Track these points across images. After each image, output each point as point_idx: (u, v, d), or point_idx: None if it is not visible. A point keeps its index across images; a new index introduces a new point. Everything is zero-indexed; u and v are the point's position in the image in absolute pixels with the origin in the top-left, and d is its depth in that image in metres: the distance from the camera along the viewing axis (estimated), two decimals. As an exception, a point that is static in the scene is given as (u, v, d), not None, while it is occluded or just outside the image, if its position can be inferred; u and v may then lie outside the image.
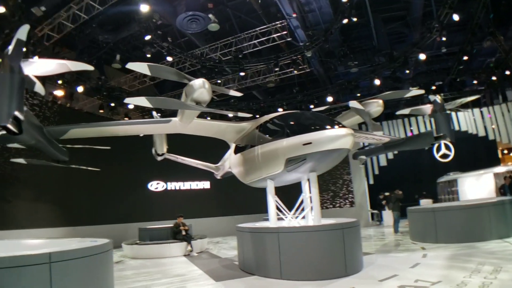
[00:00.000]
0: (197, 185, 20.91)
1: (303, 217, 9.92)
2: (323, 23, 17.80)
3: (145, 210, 18.65)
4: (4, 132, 6.17)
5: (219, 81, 19.56)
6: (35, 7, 12.59)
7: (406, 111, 13.66)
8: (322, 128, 8.08)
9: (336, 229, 8.45)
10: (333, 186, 21.79)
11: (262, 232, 9.10)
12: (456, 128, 22.36)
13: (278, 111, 14.52)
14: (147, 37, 15.47)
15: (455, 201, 18.57)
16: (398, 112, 14.25)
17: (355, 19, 16.31)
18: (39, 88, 6.09)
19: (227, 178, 14.67)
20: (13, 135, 6.21)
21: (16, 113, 5.75)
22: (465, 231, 11.36)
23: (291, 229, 8.71)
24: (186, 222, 14.61)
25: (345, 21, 16.01)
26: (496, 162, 23.53)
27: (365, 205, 21.29)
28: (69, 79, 16.59)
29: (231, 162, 12.10)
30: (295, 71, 18.93)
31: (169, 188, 20.09)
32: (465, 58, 19.01)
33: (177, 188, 20.38)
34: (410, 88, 18.62)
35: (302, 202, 10.02)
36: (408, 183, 23.64)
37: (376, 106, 10.38)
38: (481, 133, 22.50)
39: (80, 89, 16.98)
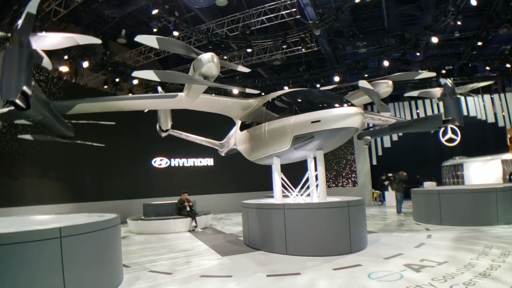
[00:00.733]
0: (200, 162, 20.95)
1: (308, 195, 9.97)
2: (333, 2, 17.50)
3: (149, 186, 18.78)
4: (12, 107, 6.17)
5: (225, 57, 19.35)
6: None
7: (414, 93, 13.49)
8: (331, 106, 8.03)
9: (341, 206, 8.48)
10: (336, 166, 21.80)
11: (268, 208, 9.16)
12: (465, 113, 22.12)
13: (283, 89, 14.42)
14: (155, 11, 15.23)
15: (460, 185, 18.53)
16: (407, 94, 14.04)
17: (367, -1, 16.00)
18: (46, 63, 6.04)
19: (230, 155, 14.71)
20: (21, 110, 6.21)
21: (25, 88, 5.71)
22: (471, 214, 11.26)
23: (297, 205, 8.74)
24: (190, 199, 14.70)
25: (358, 0, 15.70)
26: (504, 149, 23.42)
27: (368, 185, 21.33)
28: (75, 54, 16.46)
29: (236, 139, 12.09)
30: (303, 49, 18.69)
31: (172, 164, 20.15)
32: (479, 43, 18.72)
33: (181, 164, 20.43)
34: (420, 71, 18.46)
35: (307, 179, 10.06)
36: (412, 165, 23.58)
37: (385, 86, 10.28)
38: (490, 119, 22.42)
39: (85, 64, 16.86)
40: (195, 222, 13.96)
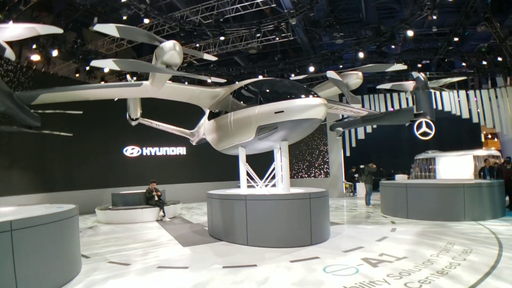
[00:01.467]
0: (173, 151, 20.63)
1: (274, 185, 9.89)
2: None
3: (121, 175, 18.43)
4: None
5: (197, 45, 19.01)
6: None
7: (387, 85, 13.54)
8: (295, 96, 7.92)
9: (303, 198, 8.40)
10: (309, 156, 21.76)
11: (230, 198, 9.03)
12: (439, 108, 22.46)
13: (258, 78, 14.24)
14: (123, -1, 14.69)
15: (431, 179, 18.72)
16: (379, 87, 14.08)
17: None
18: (9, 53, 5.77)
19: (203, 144, 14.52)
20: None
21: None
22: (437, 209, 11.19)
23: (258, 196, 8.63)
24: (159, 188, 14.48)
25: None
26: (478, 145, 23.88)
27: (340, 176, 21.40)
28: (45, 43, 15.88)
29: (205, 128, 11.91)
30: (278, 38, 18.48)
31: (144, 153, 19.79)
32: (456, 39, 18.84)
33: (153, 153, 20.09)
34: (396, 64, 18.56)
35: (273, 170, 9.98)
36: (385, 157, 23.85)
37: (355, 78, 10.21)
38: (465, 115, 22.64)
39: (55, 53, 16.28)
40: (163, 211, 13.76)
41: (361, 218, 12.82)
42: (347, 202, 18.03)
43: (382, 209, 13.53)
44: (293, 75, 20.63)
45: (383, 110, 22.19)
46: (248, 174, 9.83)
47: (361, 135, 23.05)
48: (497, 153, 19.27)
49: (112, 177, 18.07)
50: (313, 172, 21.57)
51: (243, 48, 19.90)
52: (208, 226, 10.42)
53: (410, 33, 17.85)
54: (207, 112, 11.57)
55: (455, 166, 19.16)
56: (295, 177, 21.59)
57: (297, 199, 8.40)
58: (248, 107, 8.65)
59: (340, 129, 16.10)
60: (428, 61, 23.45)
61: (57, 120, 12.92)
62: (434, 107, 21.89)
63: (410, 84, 12.22)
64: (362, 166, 17.08)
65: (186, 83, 18.55)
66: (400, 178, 20.64)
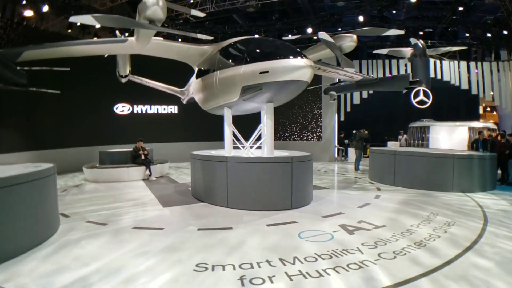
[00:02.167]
0: (164, 109, 20.26)
1: (260, 147, 9.69)
2: None
3: (111, 133, 18.15)
4: None
5: (192, 1, 18.26)
6: None
7: (384, 51, 13.14)
8: (281, 57, 7.55)
9: (284, 162, 8.22)
10: (302, 119, 21.41)
11: (212, 160, 8.83)
12: (438, 77, 22.04)
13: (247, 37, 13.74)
14: None
15: (424, 147, 18.51)
16: (376, 51, 13.67)
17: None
18: None
19: (195, 103, 14.18)
20: None
21: None
22: (425, 178, 11.00)
23: (239, 158, 8.43)
24: (146, 147, 14.29)
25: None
26: (476, 117, 23.60)
27: (333, 140, 21.17)
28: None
29: (193, 87, 11.58)
30: (276, -4, 17.74)
31: (135, 111, 19.44)
32: (461, 9, 18.12)
33: (144, 111, 19.74)
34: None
35: (260, 132, 9.75)
36: (379, 124, 23.62)
37: (349, 41, 9.83)
38: (464, 86, 22.25)
39: (45, 8, 15.54)
40: (149, 171, 13.63)
41: (348, 183, 12.69)
42: (337, 167, 17.93)
43: (370, 175, 13.42)
44: (290, 35, 19.96)
45: (381, 76, 21.73)
46: (234, 135, 9.61)
47: (357, 100, 22.67)
48: (494, 126, 18.96)
49: (103, 135, 17.80)
50: (305, 135, 21.30)
51: (241, 6, 19.14)
52: (192, 187, 10.29)
53: (413, -2, 17.15)
54: (196, 70, 11.21)
55: (449, 136, 18.93)
56: (288, 139, 21.40)
57: (279, 163, 8.21)
58: (234, 66, 8.30)
59: (334, 93, 15.77)
60: (431, 30, 22.74)
61: (45, 78, 12.60)
62: (433, 76, 21.62)
63: (408, 51, 11.87)
64: (354, 131, 16.84)
65: (180, 40, 17.95)
66: (393, 145, 20.49)
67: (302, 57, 7.58)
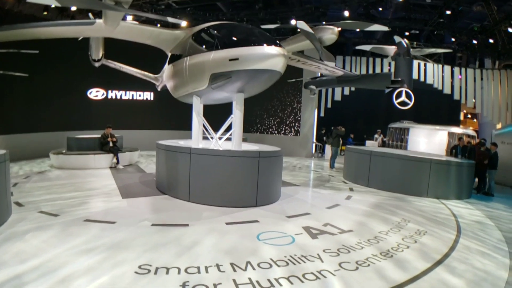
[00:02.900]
0: (140, 95, 19.52)
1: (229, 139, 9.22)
2: None
3: (84, 118, 17.38)
4: None
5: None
6: None
7: (367, 47, 12.81)
8: (253, 44, 7.05)
9: (251, 156, 7.76)
10: (281, 113, 20.80)
11: (175, 150, 8.31)
12: (422, 79, 21.88)
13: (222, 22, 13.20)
14: None
15: (402, 149, 18.25)
16: (359, 47, 13.28)
17: None
18: None
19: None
20: None
21: None
22: (400, 181, 10.62)
23: (203, 151, 7.93)
24: (118, 133, 13.69)
25: None
26: (456, 123, 23.54)
27: (311, 136, 20.75)
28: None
29: (165, 73, 11.02)
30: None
31: (109, 96, 18.67)
32: (448, 12, 17.90)
33: (118, 97, 18.99)
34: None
35: (231, 124, 9.26)
36: (360, 122, 23.33)
37: (330, 33, 9.35)
38: (447, 90, 22.13)
39: None
40: (117, 159, 13.03)
41: (321, 181, 12.30)
42: (313, 163, 17.53)
43: (344, 174, 13.05)
44: (274, 26, 19.43)
45: (365, 73, 21.37)
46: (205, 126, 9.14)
47: (338, 97, 22.26)
48: (473, 133, 18.77)
49: (75, 120, 17.00)
50: (283, 129, 20.82)
51: (225, -7, 18.53)
52: (156, 178, 9.77)
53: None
54: (169, 56, 10.65)
55: (429, 140, 18.71)
56: (265, 132, 20.87)
57: (244, 157, 7.75)
58: (204, 53, 7.79)
59: (314, 87, 15.38)
60: (417, 31, 22.55)
61: (14, 60, 11.92)
62: (417, 77, 21.50)
63: (391, 49, 11.59)
64: (332, 128, 16.48)
65: (159, 25, 17.25)
66: (371, 144, 20.23)
67: (275, 45, 7.10)
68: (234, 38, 7.46)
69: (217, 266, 4.55)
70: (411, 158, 10.85)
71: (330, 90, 21.90)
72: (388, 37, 20.00)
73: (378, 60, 22.31)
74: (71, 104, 16.92)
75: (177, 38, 9.25)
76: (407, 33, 21.21)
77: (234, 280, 4.16)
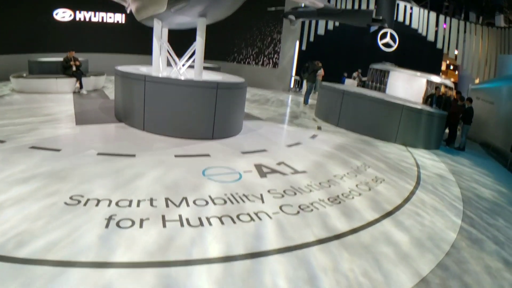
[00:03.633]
0: (110, 17, 18.29)
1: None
2: None
3: (50, 41, 16.25)
4: None
5: None
6: None
7: None
8: None
9: (208, 87, 7.35)
10: (260, 43, 19.76)
11: (130, 77, 7.79)
12: (407, 23, 21.30)
13: None
14: None
15: (381, 91, 17.82)
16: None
17: None
18: None
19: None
20: None
21: None
22: (369, 124, 10.31)
23: (158, 79, 7.45)
24: (85, 57, 12.91)
25: None
26: (437, 72, 23.12)
27: (290, 70, 19.98)
28: None
29: (130, -6, 10.20)
30: None
31: (77, 18, 17.43)
32: None
33: (87, 19, 17.77)
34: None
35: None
36: (341, 59, 22.58)
37: None
38: (431, 37, 21.58)
39: None
40: (80, 83, 12.41)
41: (291, 117, 11.99)
42: (289, 98, 17.02)
43: (316, 111, 12.67)
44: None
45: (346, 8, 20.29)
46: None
47: (321, 31, 21.32)
48: (451, 85, 18.37)
49: (40, 42, 15.86)
50: (261, 60, 19.97)
51: None
52: (114, 106, 9.33)
53: None
54: None
55: (407, 85, 18.29)
56: (242, 62, 20.04)
57: (201, 88, 7.33)
58: None
59: (293, 17, 14.61)
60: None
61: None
62: (402, 20, 20.71)
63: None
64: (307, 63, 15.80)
65: None
66: (351, 83, 19.81)
67: None
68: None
69: (151, 200, 4.34)
70: (383, 102, 10.40)
71: (313, 23, 20.88)
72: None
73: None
74: (35, 25, 15.68)
75: None
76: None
77: (163, 216, 3.97)
